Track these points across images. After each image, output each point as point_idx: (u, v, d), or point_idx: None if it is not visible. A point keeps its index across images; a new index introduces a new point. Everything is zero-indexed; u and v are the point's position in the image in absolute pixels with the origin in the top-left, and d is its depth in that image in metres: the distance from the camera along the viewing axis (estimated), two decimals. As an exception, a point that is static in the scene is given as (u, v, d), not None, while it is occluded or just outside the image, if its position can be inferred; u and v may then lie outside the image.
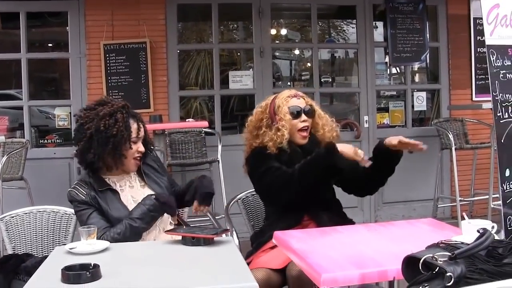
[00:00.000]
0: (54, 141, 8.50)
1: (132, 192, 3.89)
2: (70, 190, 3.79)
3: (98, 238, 3.50)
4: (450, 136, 7.73)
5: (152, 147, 4.10)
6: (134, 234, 3.67)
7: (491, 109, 4.61)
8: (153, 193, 3.86)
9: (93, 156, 3.71)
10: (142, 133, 3.89)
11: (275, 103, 4.22)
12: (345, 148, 3.88)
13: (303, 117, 4.15)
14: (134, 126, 3.83)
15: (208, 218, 4.58)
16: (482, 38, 8.03)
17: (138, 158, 3.89)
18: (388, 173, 4.18)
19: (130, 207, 3.78)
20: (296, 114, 4.15)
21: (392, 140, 4.02)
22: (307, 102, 4.24)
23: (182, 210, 4.29)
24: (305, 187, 3.91)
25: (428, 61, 9.47)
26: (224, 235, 3.46)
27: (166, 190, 3.99)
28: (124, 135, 3.74)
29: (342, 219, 4.08)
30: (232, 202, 4.61)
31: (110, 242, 3.48)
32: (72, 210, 4.10)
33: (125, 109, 3.83)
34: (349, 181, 4.18)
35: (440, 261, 1.99)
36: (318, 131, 4.25)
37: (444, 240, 2.19)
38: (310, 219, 4.02)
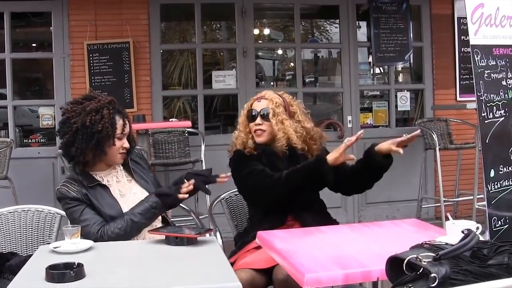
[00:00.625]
0: (38, 140, 8.47)
1: (119, 186, 3.88)
2: (59, 188, 3.77)
3: (96, 233, 3.54)
4: (434, 136, 7.74)
5: (134, 144, 4.08)
6: (135, 230, 3.67)
7: (475, 109, 4.63)
8: (139, 187, 3.88)
9: (75, 150, 3.70)
10: (127, 130, 3.89)
11: (244, 107, 4.32)
12: (331, 156, 3.92)
13: (257, 120, 4.16)
14: (120, 122, 3.82)
15: (192, 218, 4.57)
16: (466, 37, 8.10)
17: (124, 153, 3.89)
18: (376, 178, 4.19)
19: (119, 201, 3.78)
20: (251, 117, 4.20)
21: (382, 146, 4.03)
22: (270, 104, 4.18)
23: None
24: (290, 193, 3.94)
25: (411, 61, 9.50)
26: (207, 234, 3.46)
27: (152, 185, 3.99)
28: (109, 131, 3.73)
29: (326, 220, 4.09)
30: (215, 202, 4.61)
31: (111, 236, 3.54)
32: (57, 210, 4.11)
33: (112, 105, 3.82)
34: (336, 182, 4.18)
35: (424, 261, 2.00)
36: (277, 133, 4.15)
37: (428, 241, 2.20)
38: (294, 219, 4.02)
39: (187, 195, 3.80)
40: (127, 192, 3.85)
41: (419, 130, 3.99)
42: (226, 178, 3.99)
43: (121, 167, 3.97)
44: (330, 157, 3.90)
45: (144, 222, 3.69)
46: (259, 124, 4.15)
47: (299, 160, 4.09)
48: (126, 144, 3.88)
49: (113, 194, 3.80)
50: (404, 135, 4.03)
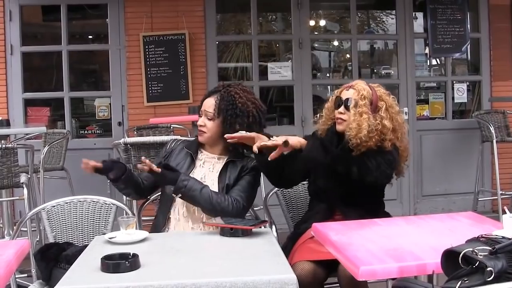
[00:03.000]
0: (94, 131, 8.58)
1: (207, 173, 4.00)
2: (176, 138, 4.25)
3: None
4: (491, 128, 7.62)
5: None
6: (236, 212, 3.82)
7: (533, 101, 4.55)
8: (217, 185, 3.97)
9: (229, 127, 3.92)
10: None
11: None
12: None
13: (341, 108, 4.12)
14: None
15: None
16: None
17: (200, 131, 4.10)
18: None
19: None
20: (337, 104, 4.15)
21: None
22: (357, 95, 4.09)
23: None
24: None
25: (468, 52, 9.38)
26: (262, 226, 3.46)
27: (228, 187, 4.00)
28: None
29: (379, 214, 4.04)
30: (270, 194, 4.60)
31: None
32: (112, 200, 4.20)
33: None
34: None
35: (481, 255, 1.97)
36: (349, 128, 4.05)
37: (485, 234, 2.17)
38: (341, 214, 4.00)
39: None
40: (207, 182, 3.93)
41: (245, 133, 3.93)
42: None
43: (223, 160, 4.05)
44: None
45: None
46: (341, 113, 4.12)
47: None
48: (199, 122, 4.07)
49: (197, 173, 3.95)
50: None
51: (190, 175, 3.88)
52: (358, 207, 3.96)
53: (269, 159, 3.84)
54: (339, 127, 4.13)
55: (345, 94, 4.14)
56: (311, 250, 3.85)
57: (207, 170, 3.99)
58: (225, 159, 4.01)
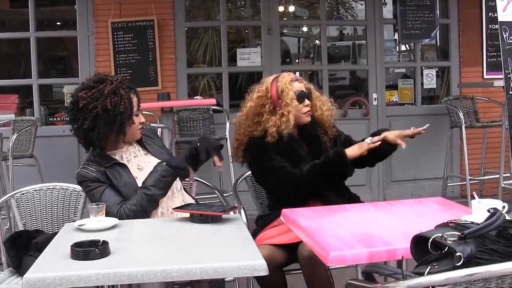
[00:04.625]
0: (63, 119, 8.52)
1: (137, 160, 3.88)
2: (79, 171, 3.77)
3: (116, 212, 3.55)
4: (460, 114, 7.66)
5: None
6: (150, 203, 3.67)
7: (502, 87, 4.59)
8: (156, 159, 3.86)
9: (97, 135, 3.67)
10: (141, 105, 3.91)
11: (277, 87, 4.14)
12: (351, 152, 3.92)
13: (306, 101, 4.14)
14: (134, 99, 3.81)
15: (216, 195, 4.58)
16: (494, 14, 7.99)
17: (142, 128, 3.91)
18: (379, 160, 4.20)
19: (137, 175, 3.79)
20: (301, 98, 4.12)
21: (389, 136, 3.98)
22: (306, 85, 4.21)
23: (190, 187, 4.29)
24: (311, 189, 3.94)
25: (438, 38, 9.41)
26: (232, 212, 3.46)
27: (166, 153, 4.03)
28: (129, 111, 3.72)
29: (349, 196, 4.09)
30: (240, 180, 4.60)
31: (129, 214, 3.54)
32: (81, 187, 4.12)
33: (125, 83, 3.79)
34: None
35: (450, 240, 1.98)
36: (316, 111, 4.21)
37: (454, 220, 2.18)
38: (317, 198, 4.00)
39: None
40: (145, 165, 3.85)
41: (427, 125, 3.93)
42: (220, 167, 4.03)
43: (136, 142, 3.96)
44: (350, 153, 3.90)
45: (159, 193, 3.69)
46: (308, 105, 4.15)
47: (317, 144, 4.10)
48: (143, 119, 3.90)
49: (131, 170, 3.81)
50: (412, 128, 3.98)
51: (134, 174, 3.81)
52: (337, 191, 4.02)
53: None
54: (308, 119, 4.16)
55: (300, 87, 4.16)
56: (271, 235, 3.89)
57: (134, 159, 3.90)
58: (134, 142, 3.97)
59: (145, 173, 3.78)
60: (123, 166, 3.80)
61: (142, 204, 3.63)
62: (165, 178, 3.70)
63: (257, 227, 4.14)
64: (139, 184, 3.75)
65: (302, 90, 4.13)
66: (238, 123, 4.29)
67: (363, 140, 4.09)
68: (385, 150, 4.04)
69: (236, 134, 4.28)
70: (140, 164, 3.87)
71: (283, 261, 3.87)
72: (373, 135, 4.08)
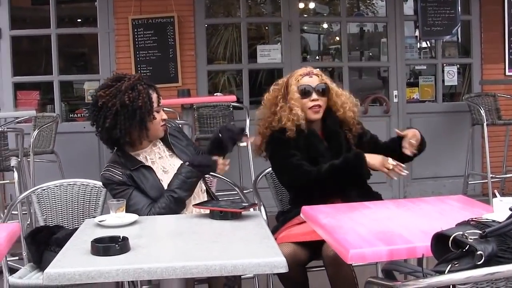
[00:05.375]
0: (84, 115, 8.55)
1: (162, 162, 3.91)
2: (103, 173, 3.78)
3: (146, 215, 3.58)
4: (482, 111, 7.61)
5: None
6: (177, 205, 3.69)
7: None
8: (181, 161, 3.87)
9: (119, 132, 3.69)
10: (162, 101, 3.92)
11: (288, 80, 4.18)
12: (373, 160, 3.90)
13: (314, 96, 4.10)
14: (154, 95, 3.83)
15: (236, 192, 4.59)
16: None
17: (164, 125, 3.92)
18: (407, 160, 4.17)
19: (162, 178, 3.82)
20: (305, 93, 4.10)
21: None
22: (322, 80, 4.16)
23: (211, 183, 4.29)
24: (329, 186, 3.92)
25: (459, 34, 9.36)
26: (252, 209, 3.46)
27: (191, 154, 4.02)
28: (147, 106, 3.74)
29: (370, 194, 4.07)
30: (260, 176, 4.60)
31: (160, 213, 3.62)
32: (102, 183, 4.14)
33: (143, 81, 3.82)
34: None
35: (471, 239, 1.97)
36: (338, 110, 4.16)
37: (475, 218, 2.17)
38: (338, 195, 3.98)
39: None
40: (169, 168, 3.87)
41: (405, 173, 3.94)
42: (225, 166, 4.00)
43: (161, 143, 3.98)
44: (370, 160, 3.89)
45: (184, 194, 3.71)
46: (316, 100, 4.11)
47: (336, 140, 4.07)
48: (165, 116, 3.91)
49: (156, 172, 3.82)
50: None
51: (159, 177, 3.84)
52: (358, 189, 4.00)
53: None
54: (315, 116, 4.12)
55: (311, 81, 4.13)
56: (294, 233, 3.87)
57: (159, 160, 3.92)
58: (158, 141, 3.99)
59: (170, 176, 3.80)
60: (149, 168, 3.81)
61: (170, 206, 3.66)
62: (190, 180, 3.73)
63: (277, 223, 4.14)
64: (165, 186, 3.77)
65: (308, 85, 4.11)
66: (259, 115, 4.34)
67: (392, 140, 4.09)
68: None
69: (258, 128, 4.30)
70: (165, 166, 3.89)
71: (305, 259, 3.86)
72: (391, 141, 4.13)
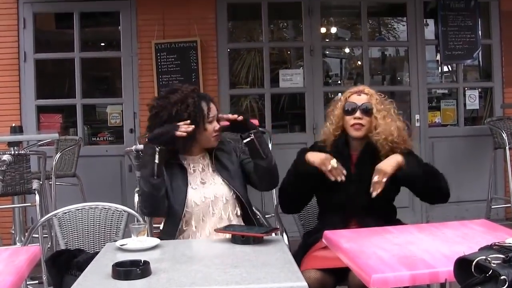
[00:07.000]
0: (106, 138, 8.61)
1: (203, 175, 3.98)
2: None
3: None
4: (504, 135, 7.58)
5: None
6: (145, 183, 3.74)
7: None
8: (221, 178, 3.96)
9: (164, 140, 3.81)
10: (214, 112, 4.01)
11: (341, 97, 4.27)
12: (313, 157, 3.95)
13: (357, 114, 4.09)
14: (205, 107, 3.95)
15: (258, 217, 4.58)
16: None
17: (217, 135, 4.03)
18: (423, 193, 4.14)
19: (198, 189, 3.89)
20: (349, 111, 4.10)
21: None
22: (369, 100, 4.13)
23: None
24: (293, 190, 4.09)
25: (480, 58, 9.35)
26: (273, 234, 3.45)
27: (233, 173, 4.04)
28: (195, 118, 3.86)
29: (392, 222, 4.03)
30: (282, 201, 4.59)
31: (142, 200, 3.76)
32: (124, 207, 4.24)
33: (195, 93, 3.98)
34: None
35: (494, 263, 1.96)
36: (373, 133, 4.14)
37: (498, 242, 2.15)
38: (357, 224, 3.96)
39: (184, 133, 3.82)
40: (208, 181, 3.95)
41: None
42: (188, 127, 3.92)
43: (209, 157, 4.06)
44: (311, 158, 3.97)
45: (146, 172, 3.76)
46: (359, 118, 4.11)
47: (366, 166, 4.03)
48: (217, 126, 4.01)
49: (193, 180, 3.91)
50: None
51: (195, 187, 3.90)
52: (376, 216, 3.95)
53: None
54: (356, 133, 4.09)
55: (358, 100, 4.13)
56: (320, 258, 3.84)
57: (201, 173, 3.99)
58: (207, 155, 4.06)
59: (206, 188, 3.91)
60: (184, 170, 3.91)
61: (141, 188, 3.78)
62: (146, 155, 3.79)
63: (299, 249, 4.12)
64: (191, 195, 3.85)
65: (353, 103, 4.12)
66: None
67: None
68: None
69: None
70: (204, 178, 3.97)
71: (331, 285, 3.83)
72: None
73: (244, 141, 3.95)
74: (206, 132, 3.94)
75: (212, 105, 4.00)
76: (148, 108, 4.02)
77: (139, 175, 3.95)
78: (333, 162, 3.88)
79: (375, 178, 3.86)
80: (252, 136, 3.90)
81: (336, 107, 4.20)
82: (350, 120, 4.10)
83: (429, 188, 4.04)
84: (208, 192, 3.87)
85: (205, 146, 4.03)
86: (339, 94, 4.40)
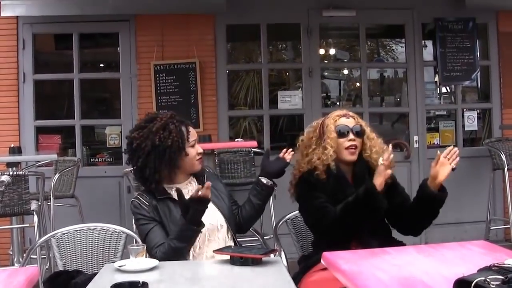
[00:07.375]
0: (105, 159, 8.61)
1: None
2: (133, 200, 3.89)
3: (153, 254, 3.59)
4: (503, 156, 7.60)
5: None
6: (176, 254, 3.64)
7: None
8: (213, 205, 3.87)
9: (149, 171, 3.80)
10: (195, 135, 4.01)
11: (324, 122, 4.21)
12: (378, 181, 3.86)
13: (351, 136, 4.11)
14: (185, 132, 3.93)
15: (257, 238, 4.58)
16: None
17: (200, 159, 4.02)
18: (433, 214, 4.11)
19: None
20: (343, 133, 4.11)
21: (439, 178, 4.00)
22: (357, 122, 4.19)
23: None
24: (348, 226, 3.88)
25: (479, 79, 9.37)
26: (272, 255, 3.45)
27: (224, 202, 4.04)
28: (179, 144, 3.84)
29: (392, 244, 4.02)
30: (281, 222, 4.59)
31: (161, 260, 3.51)
32: (122, 228, 4.20)
33: (175, 118, 3.95)
34: (393, 216, 4.12)
35: (493, 284, 1.96)
36: (365, 152, 4.17)
37: (497, 263, 2.16)
38: (359, 244, 3.95)
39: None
40: None
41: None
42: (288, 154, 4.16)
43: (196, 182, 4.02)
44: (377, 182, 3.85)
45: (182, 246, 3.65)
46: (353, 140, 4.12)
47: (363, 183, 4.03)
48: (200, 150, 4.01)
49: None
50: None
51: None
52: (376, 235, 3.96)
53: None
54: (351, 157, 4.10)
55: (347, 122, 4.16)
56: (319, 280, 3.83)
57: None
58: (192, 178, 4.06)
59: None
60: (175, 201, 3.81)
61: (169, 254, 3.62)
62: (184, 232, 3.66)
63: (299, 269, 4.11)
64: None
65: (346, 125, 4.13)
66: (295, 159, 4.33)
67: (424, 182, 4.07)
68: (436, 196, 4.03)
69: (293, 170, 4.30)
70: None
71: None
72: (419, 188, 4.10)
73: (269, 184, 4.11)
74: (188, 156, 3.92)
75: (191, 129, 4.00)
76: (127, 142, 3.98)
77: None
78: (381, 161, 3.89)
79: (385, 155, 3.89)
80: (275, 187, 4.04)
81: (325, 131, 4.15)
82: (344, 142, 4.10)
83: (436, 212, 4.04)
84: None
85: (190, 171, 4.01)
86: (314, 122, 4.32)
